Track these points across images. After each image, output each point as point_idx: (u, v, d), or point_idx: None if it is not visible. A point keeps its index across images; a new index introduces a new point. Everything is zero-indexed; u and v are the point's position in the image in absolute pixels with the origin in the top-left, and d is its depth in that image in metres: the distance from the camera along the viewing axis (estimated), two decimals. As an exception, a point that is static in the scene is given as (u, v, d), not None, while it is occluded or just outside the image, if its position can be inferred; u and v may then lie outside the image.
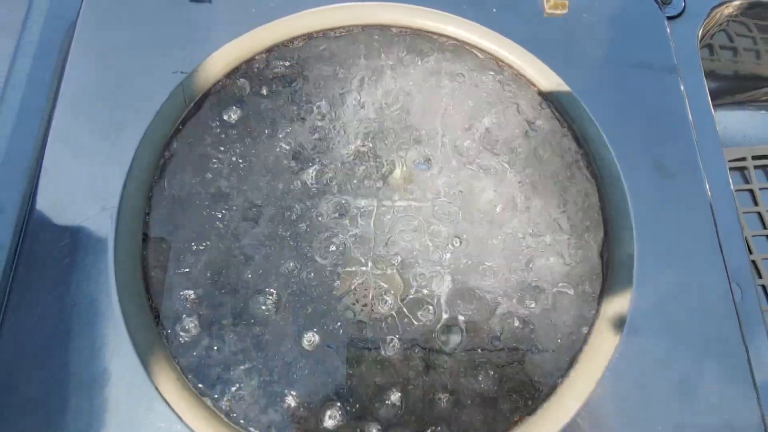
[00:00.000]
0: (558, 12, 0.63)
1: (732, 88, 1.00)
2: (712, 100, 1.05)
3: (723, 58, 1.00)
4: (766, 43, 0.99)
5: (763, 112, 1.04)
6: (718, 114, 1.03)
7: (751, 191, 0.97)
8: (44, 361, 0.49)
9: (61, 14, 0.63)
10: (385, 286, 0.55)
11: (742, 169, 0.98)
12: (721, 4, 0.68)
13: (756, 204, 0.96)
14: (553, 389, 0.51)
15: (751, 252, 0.93)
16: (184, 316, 0.53)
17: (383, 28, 0.66)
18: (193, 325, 0.53)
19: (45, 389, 0.48)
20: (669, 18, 0.66)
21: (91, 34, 0.61)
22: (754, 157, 0.97)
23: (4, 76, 0.60)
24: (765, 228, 0.94)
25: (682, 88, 0.61)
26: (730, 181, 0.61)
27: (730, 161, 0.97)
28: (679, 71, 0.61)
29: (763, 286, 0.92)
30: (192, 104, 0.61)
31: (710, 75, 1.01)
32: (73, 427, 0.47)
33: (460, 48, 0.65)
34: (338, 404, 0.51)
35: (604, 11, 0.64)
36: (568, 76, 0.61)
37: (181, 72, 0.60)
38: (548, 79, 0.62)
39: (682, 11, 0.67)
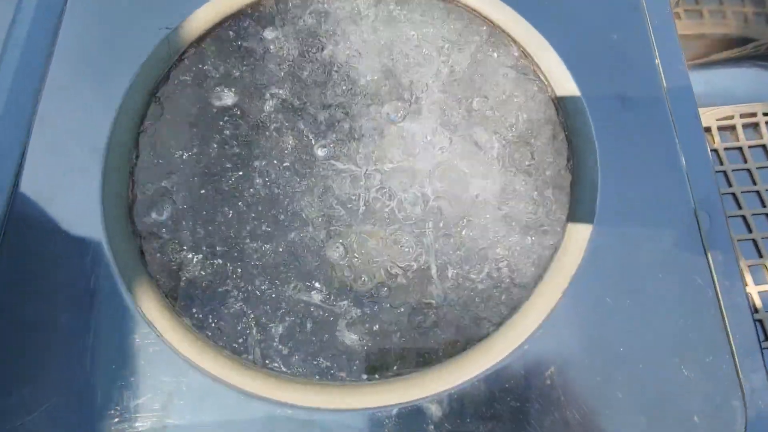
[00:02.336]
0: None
1: (719, 47, 1.01)
2: (699, 58, 1.05)
3: (709, 21, 1.00)
4: (752, 3, 0.99)
5: (753, 69, 1.04)
6: (707, 73, 1.03)
7: (740, 149, 0.96)
8: (38, 286, 0.53)
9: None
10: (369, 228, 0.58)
11: (730, 127, 0.98)
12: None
13: (745, 161, 0.95)
14: (517, 306, 0.53)
15: (740, 208, 0.93)
16: (167, 246, 0.56)
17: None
18: (175, 253, 0.56)
19: (39, 311, 0.52)
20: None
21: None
22: (742, 116, 0.97)
23: (4, 33, 0.64)
24: (755, 184, 0.94)
25: (648, 25, 0.62)
26: (699, 114, 0.62)
27: (718, 120, 0.97)
28: (644, 8, 0.63)
29: (754, 240, 0.91)
30: (177, 57, 0.64)
31: (698, 36, 1.02)
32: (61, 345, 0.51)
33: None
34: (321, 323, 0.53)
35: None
36: (535, 17, 0.63)
37: (167, 28, 0.64)
38: (513, 19, 0.64)
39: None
